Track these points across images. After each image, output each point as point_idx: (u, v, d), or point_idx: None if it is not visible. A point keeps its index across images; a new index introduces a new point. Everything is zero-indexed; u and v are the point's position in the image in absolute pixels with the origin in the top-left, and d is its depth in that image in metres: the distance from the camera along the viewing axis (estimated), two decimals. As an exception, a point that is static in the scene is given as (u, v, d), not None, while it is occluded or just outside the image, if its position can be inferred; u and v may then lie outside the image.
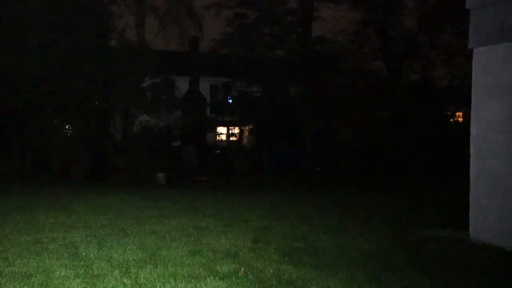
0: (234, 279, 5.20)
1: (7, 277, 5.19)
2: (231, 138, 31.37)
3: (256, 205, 11.09)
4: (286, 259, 6.08)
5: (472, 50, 7.62)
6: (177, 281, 5.10)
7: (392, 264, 5.89)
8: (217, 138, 35.03)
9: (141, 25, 24.59)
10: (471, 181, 7.51)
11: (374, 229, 8.09)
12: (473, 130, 7.53)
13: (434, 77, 26.14)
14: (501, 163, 7.08)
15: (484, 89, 7.43)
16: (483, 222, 7.25)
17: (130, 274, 5.35)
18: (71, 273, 5.34)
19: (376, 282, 5.20)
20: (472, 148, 7.55)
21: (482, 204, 7.32)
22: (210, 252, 6.34)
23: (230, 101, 28.50)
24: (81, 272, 5.38)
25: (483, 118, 7.40)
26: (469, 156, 7.58)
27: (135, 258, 5.99)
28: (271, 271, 5.51)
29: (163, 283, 5.05)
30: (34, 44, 17.99)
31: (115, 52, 20.25)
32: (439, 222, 8.79)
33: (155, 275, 5.31)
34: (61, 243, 6.72)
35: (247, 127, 28.02)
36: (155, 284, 5.02)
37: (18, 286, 4.97)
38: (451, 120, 27.08)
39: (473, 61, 7.60)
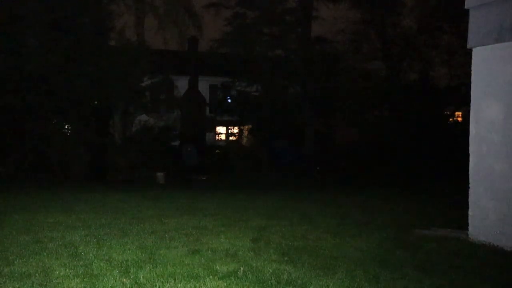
0: (233, 279, 5.20)
1: (7, 277, 5.19)
2: (231, 138, 31.39)
3: (255, 204, 11.09)
4: (285, 258, 6.07)
5: (471, 50, 7.63)
6: (177, 281, 5.10)
7: (392, 264, 5.89)
8: (217, 137, 35.06)
9: (140, 24, 24.63)
10: (471, 180, 7.51)
11: (374, 229, 8.09)
12: (473, 130, 7.54)
13: (433, 76, 26.17)
14: (500, 163, 7.08)
15: (483, 88, 7.43)
16: (483, 222, 7.25)
17: (130, 273, 5.35)
18: (70, 273, 5.34)
19: (375, 282, 5.19)
20: (471, 148, 7.55)
21: (481, 204, 7.32)
22: (209, 251, 6.33)
23: (230, 100, 28.51)
24: (81, 272, 5.38)
25: (482, 118, 7.40)
26: (468, 155, 7.58)
27: (135, 257, 5.99)
28: (271, 270, 5.50)
29: (162, 282, 5.04)
30: (34, 44, 18.00)
31: (115, 51, 20.26)
32: (439, 221, 8.79)
33: (155, 274, 5.30)
34: (60, 243, 6.72)
35: (247, 127, 28.04)
36: (154, 284, 5.01)
37: (17, 285, 4.96)
38: (451, 119, 27.11)
39: (472, 60, 7.60)
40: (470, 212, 7.51)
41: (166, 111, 26.00)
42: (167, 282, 5.07)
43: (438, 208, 10.73)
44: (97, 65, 18.60)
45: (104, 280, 5.10)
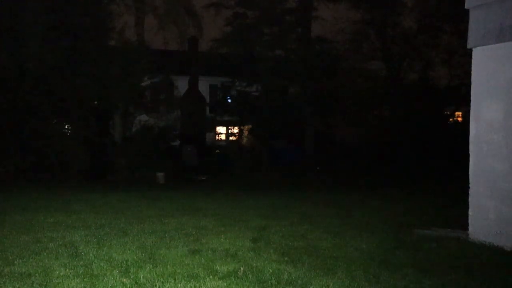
0: (233, 279, 5.20)
1: (7, 277, 5.19)
2: (231, 138, 31.38)
3: (255, 204, 11.09)
4: (285, 258, 6.07)
5: (471, 50, 7.63)
6: (177, 281, 5.10)
7: (392, 264, 5.89)
8: (217, 137, 35.05)
9: (140, 24, 24.64)
10: (471, 180, 7.51)
11: (374, 229, 8.09)
12: (473, 130, 7.54)
13: (433, 76, 26.17)
14: (500, 163, 7.08)
15: (483, 88, 7.43)
16: (483, 222, 7.25)
17: (130, 273, 5.35)
18: (70, 273, 5.34)
19: (376, 282, 5.20)
20: (471, 148, 7.55)
21: (481, 204, 7.32)
22: (209, 251, 6.33)
23: (230, 100, 28.51)
24: (81, 272, 5.38)
25: (482, 118, 7.40)
26: (468, 155, 7.58)
27: (135, 257, 5.99)
28: (271, 270, 5.51)
29: (162, 282, 5.04)
30: (34, 44, 18.00)
31: (115, 51, 20.25)
32: (439, 221, 8.79)
33: (155, 274, 5.31)
34: (60, 243, 6.72)
35: (247, 127, 28.04)
36: (154, 284, 5.01)
37: (17, 285, 4.96)
38: (451, 119, 27.11)
39: (472, 60, 7.59)
40: (470, 212, 7.51)
41: (166, 111, 25.96)
42: (167, 282, 5.07)
43: (438, 208, 10.72)
44: (97, 65, 18.60)
45: (104, 280, 5.11)
